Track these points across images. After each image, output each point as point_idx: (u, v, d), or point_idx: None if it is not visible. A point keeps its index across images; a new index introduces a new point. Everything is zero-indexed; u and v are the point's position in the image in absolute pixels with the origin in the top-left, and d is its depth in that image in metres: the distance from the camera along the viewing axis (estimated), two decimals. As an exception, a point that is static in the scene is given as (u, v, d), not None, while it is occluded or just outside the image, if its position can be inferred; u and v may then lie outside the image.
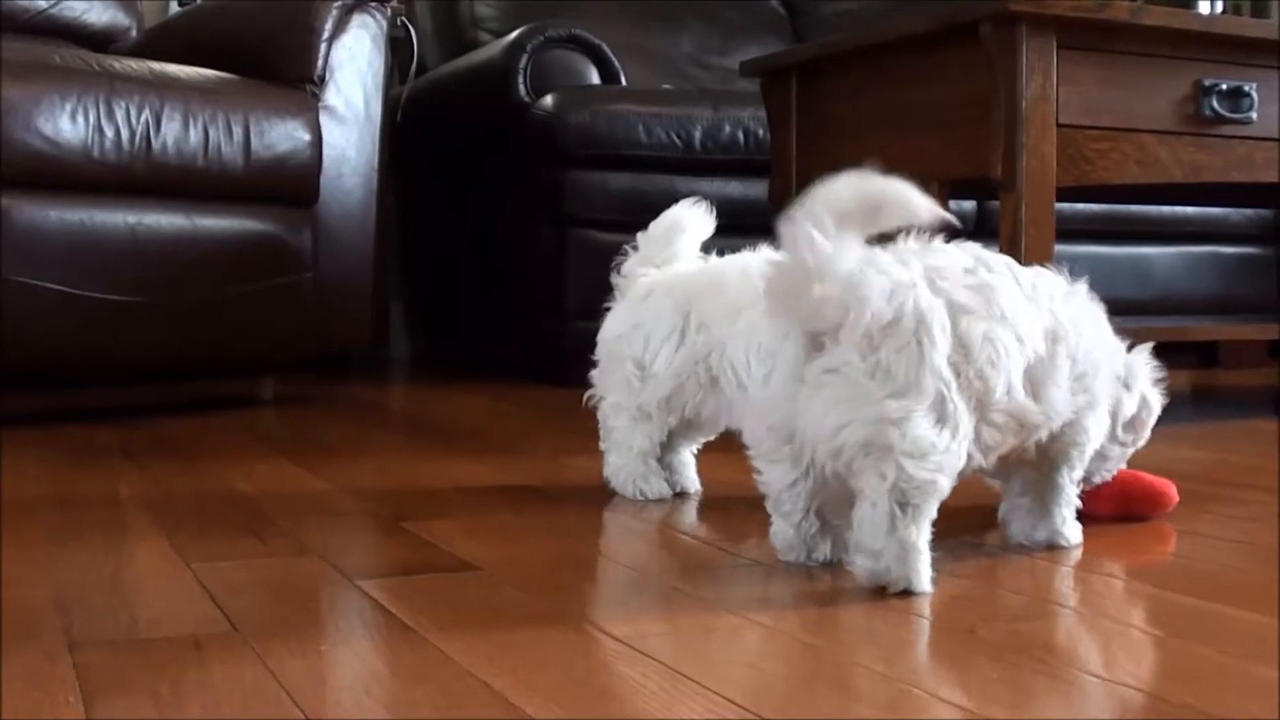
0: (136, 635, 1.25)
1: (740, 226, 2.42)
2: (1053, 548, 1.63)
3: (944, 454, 1.40)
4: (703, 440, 2.09)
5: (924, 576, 1.41)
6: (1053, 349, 1.51)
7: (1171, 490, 1.83)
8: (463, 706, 1.03)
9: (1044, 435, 1.54)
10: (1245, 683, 1.09)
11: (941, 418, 1.39)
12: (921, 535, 1.41)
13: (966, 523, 1.68)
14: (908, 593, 1.40)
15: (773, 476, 1.52)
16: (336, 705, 1.05)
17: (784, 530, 1.54)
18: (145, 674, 1.13)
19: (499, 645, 1.21)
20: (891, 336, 1.39)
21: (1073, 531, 1.65)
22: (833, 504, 1.50)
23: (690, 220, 2.08)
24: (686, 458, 2.09)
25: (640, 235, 2.08)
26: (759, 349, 1.54)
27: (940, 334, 1.40)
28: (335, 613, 1.36)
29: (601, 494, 2.03)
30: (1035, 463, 1.61)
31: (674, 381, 1.97)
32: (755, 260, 1.89)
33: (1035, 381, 1.49)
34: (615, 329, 2.04)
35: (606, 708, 1.04)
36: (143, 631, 1.27)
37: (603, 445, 2.06)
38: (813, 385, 1.42)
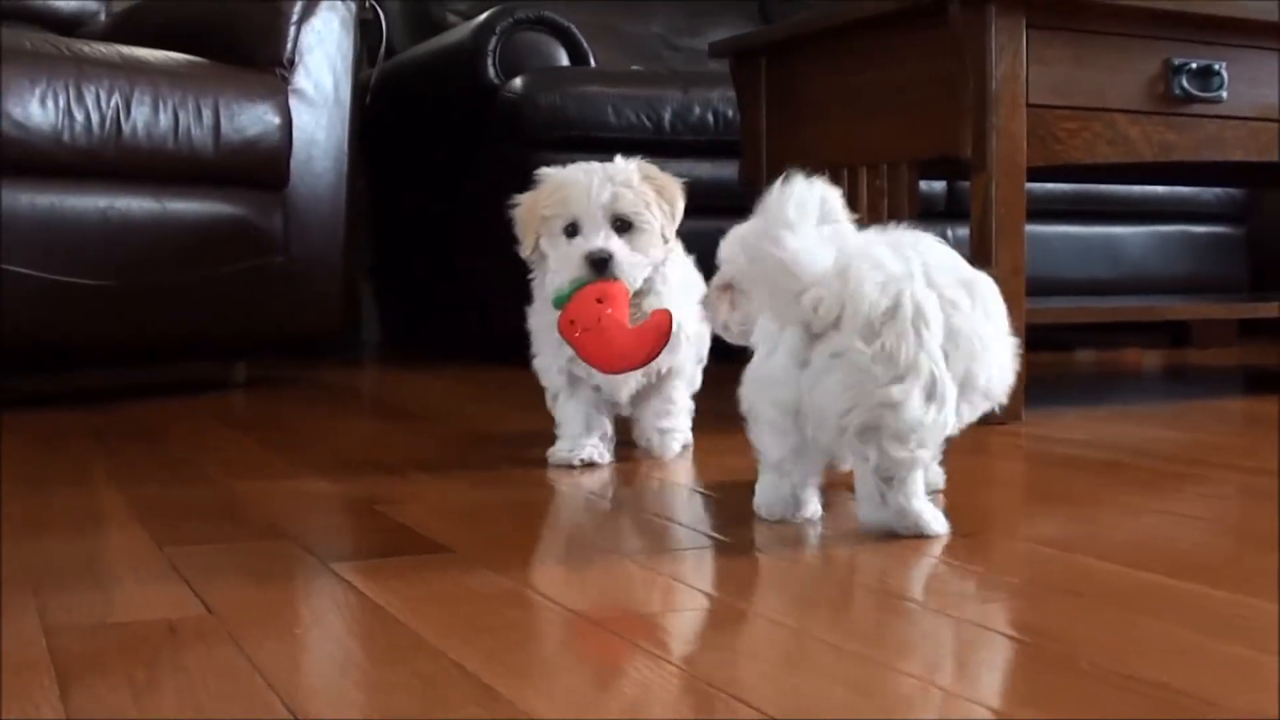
0: (111, 619, 1.25)
1: (710, 208, 2.43)
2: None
3: (929, 429, 1.52)
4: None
5: (930, 524, 1.55)
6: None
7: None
8: (437, 688, 1.04)
9: None
10: (1217, 660, 1.09)
11: (932, 394, 1.51)
12: (913, 494, 1.56)
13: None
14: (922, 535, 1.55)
15: (774, 442, 1.62)
16: (311, 688, 1.05)
17: (776, 485, 1.64)
18: (120, 658, 1.13)
19: (473, 627, 1.21)
20: (891, 323, 1.49)
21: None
22: (824, 467, 1.67)
23: None
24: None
25: None
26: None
27: (936, 324, 1.51)
28: (309, 596, 1.36)
29: (570, 474, 2.04)
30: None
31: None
32: None
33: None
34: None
35: (581, 689, 1.05)
36: (117, 615, 1.27)
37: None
38: (821, 369, 1.53)
